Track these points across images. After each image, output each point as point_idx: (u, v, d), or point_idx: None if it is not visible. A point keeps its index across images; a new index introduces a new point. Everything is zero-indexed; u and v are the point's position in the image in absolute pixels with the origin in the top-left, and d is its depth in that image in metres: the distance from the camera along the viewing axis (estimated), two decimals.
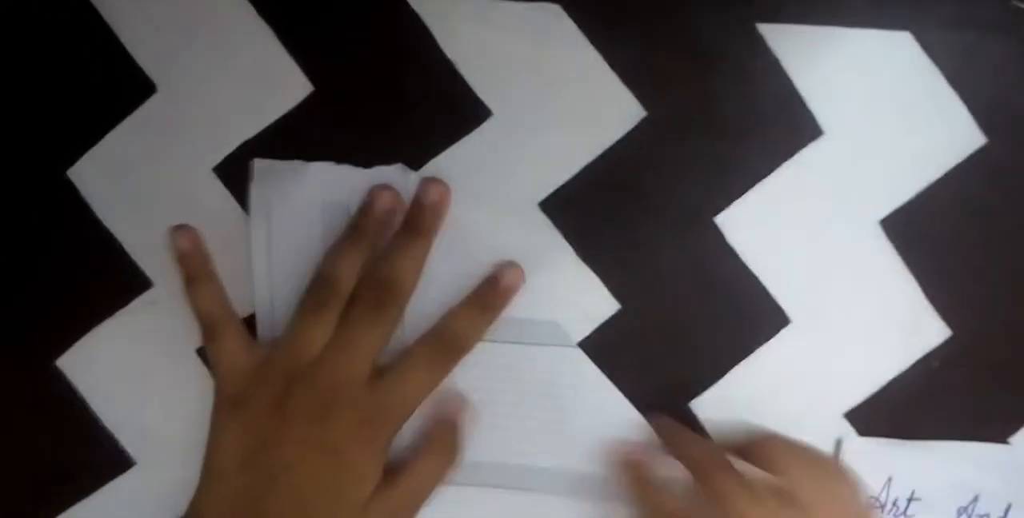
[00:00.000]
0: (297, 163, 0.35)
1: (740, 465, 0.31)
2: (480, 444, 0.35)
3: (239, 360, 0.34)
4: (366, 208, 0.34)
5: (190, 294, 0.35)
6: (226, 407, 0.34)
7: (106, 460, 0.36)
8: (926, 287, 0.34)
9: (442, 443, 0.34)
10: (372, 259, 0.34)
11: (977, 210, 0.34)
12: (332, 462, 0.32)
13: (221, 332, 0.34)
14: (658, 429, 0.34)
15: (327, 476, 0.32)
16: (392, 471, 0.33)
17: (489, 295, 0.34)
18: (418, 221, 0.34)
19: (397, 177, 0.34)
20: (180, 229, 0.35)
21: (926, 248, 0.34)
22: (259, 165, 0.35)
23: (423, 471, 0.34)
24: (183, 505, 0.36)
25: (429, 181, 0.34)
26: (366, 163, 0.35)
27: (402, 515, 0.34)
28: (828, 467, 0.33)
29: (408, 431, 0.34)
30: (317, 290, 0.33)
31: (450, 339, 0.34)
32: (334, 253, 0.34)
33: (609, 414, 0.35)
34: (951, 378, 0.34)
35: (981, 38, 0.33)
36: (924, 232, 0.34)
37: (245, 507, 0.32)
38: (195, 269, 0.35)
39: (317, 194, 0.35)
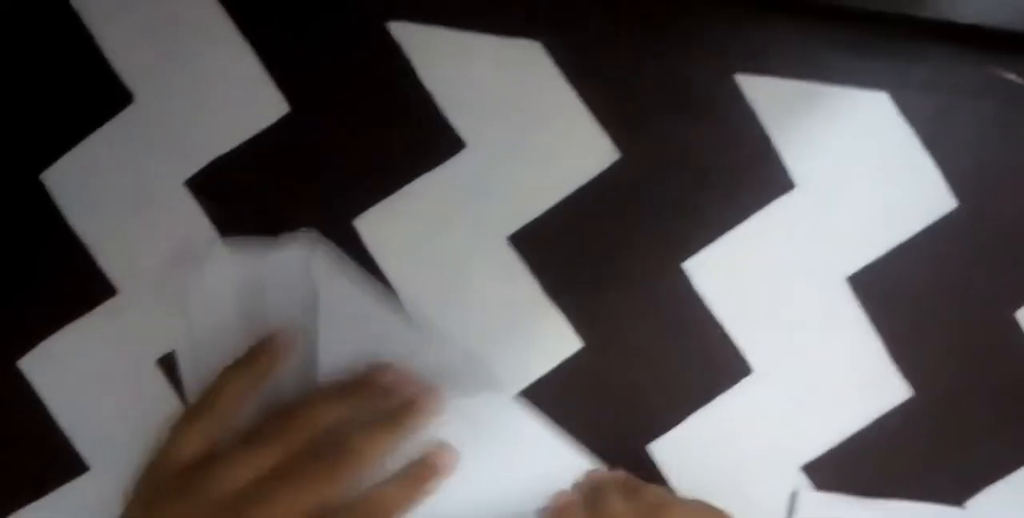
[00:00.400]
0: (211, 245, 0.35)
1: None
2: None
3: (184, 454, 0.33)
4: (365, 379, 0.33)
5: (232, 371, 0.34)
6: (144, 491, 0.33)
7: (61, 463, 0.36)
8: (890, 346, 0.34)
9: (416, 477, 0.33)
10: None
11: (945, 272, 0.34)
12: None
13: (209, 417, 0.33)
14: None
15: None
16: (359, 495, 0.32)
17: (420, 472, 0.33)
18: (406, 416, 0.33)
19: (302, 244, 0.34)
20: (281, 333, 0.34)
21: (892, 307, 0.34)
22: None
23: (386, 495, 0.32)
24: None
25: (428, 390, 0.33)
26: (338, 186, 0.35)
27: None
28: None
29: None
30: (280, 423, 0.33)
31: (373, 512, 0.32)
32: (316, 402, 0.33)
33: (552, 461, 0.34)
34: (910, 438, 0.34)
35: (957, 102, 0.33)
36: (891, 291, 0.34)
37: None
38: (263, 363, 0.34)
39: (227, 275, 0.34)
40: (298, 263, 0.34)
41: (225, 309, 0.35)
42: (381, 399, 0.33)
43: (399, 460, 0.33)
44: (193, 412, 0.34)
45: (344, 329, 0.34)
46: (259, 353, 0.34)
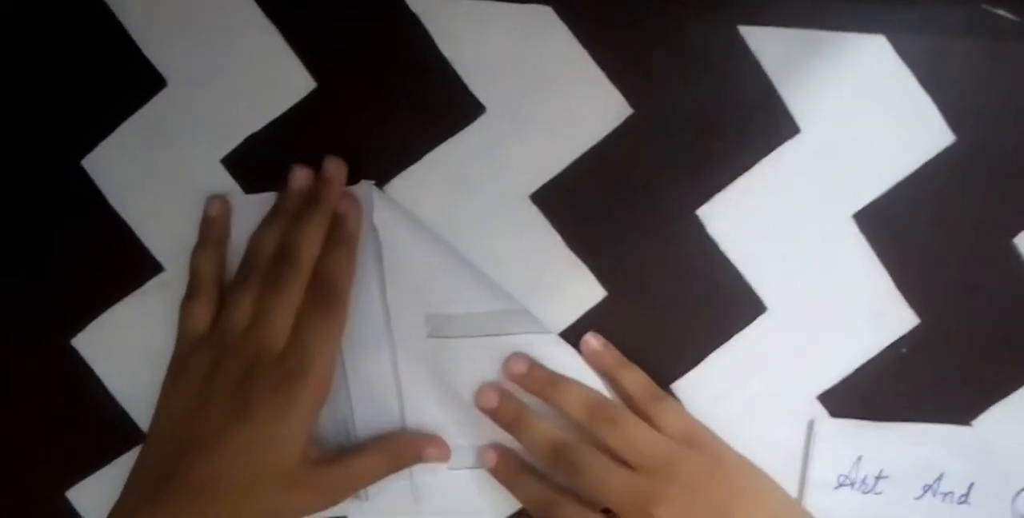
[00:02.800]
0: (269, 195, 0.37)
1: None
2: (472, 430, 0.36)
3: (198, 326, 0.36)
4: (286, 190, 0.36)
5: (194, 253, 0.37)
6: (170, 376, 0.36)
7: (120, 434, 0.38)
8: (896, 277, 0.36)
9: (393, 447, 0.36)
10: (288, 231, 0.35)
11: (945, 205, 0.35)
12: (249, 430, 0.33)
13: (199, 293, 0.36)
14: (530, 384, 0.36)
15: (244, 445, 0.33)
16: (334, 455, 0.34)
17: (341, 231, 0.36)
18: (319, 195, 0.36)
19: (362, 193, 0.36)
20: (216, 198, 0.36)
21: (897, 240, 0.35)
22: (234, 201, 0.37)
23: (362, 463, 0.35)
24: None
25: (330, 158, 0.36)
26: (366, 155, 0.36)
27: (325, 498, 0.34)
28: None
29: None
30: (243, 265, 0.36)
31: (323, 284, 0.35)
32: (259, 231, 0.36)
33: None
34: (918, 363, 0.36)
35: (951, 41, 0.34)
36: (895, 225, 0.35)
37: (167, 473, 0.33)
38: (211, 234, 0.37)
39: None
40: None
41: None
42: (309, 206, 0.36)
43: None
44: (186, 297, 0.36)
45: (406, 263, 0.36)
46: (208, 225, 0.37)
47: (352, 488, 0.35)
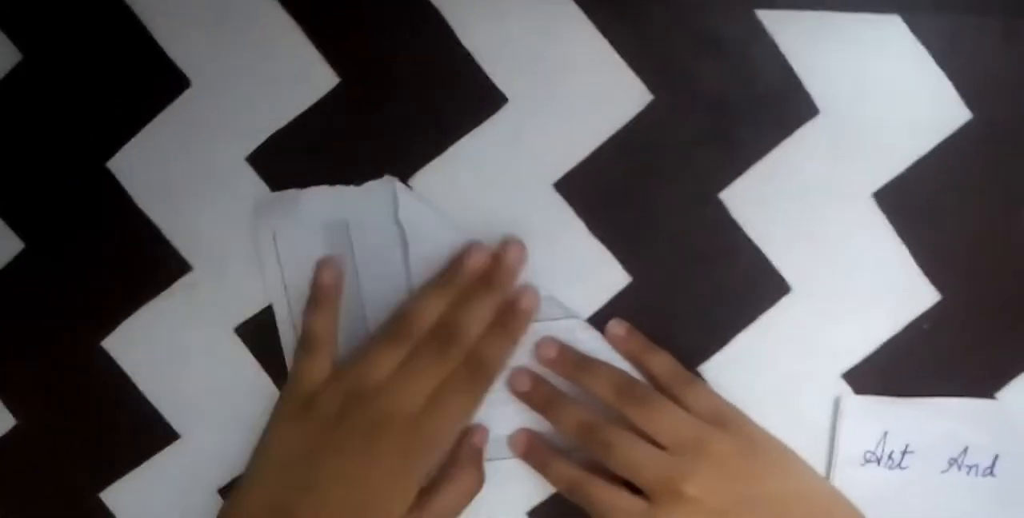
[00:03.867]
0: (292, 192, 0.37)
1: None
2: (506, 418, 0.37)
3: (316, 377, 0.35)
4: (459, 263, 0.36)
5: (309, 313, 0.36)
6: (288, 411, 0.35)
7: (152, 434, 0.39)
8: (917, 254, 0.36)
9: (469, 471, 0.36)
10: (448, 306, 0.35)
11: (963, 181, 0.36)
12: (370, 482, 0.34)
13: (316, 350, 0.36)
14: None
15: (363, 494, 0.34)
16: (422, 494, 0.35)
17: (508, 318, 0.35)
18: (495, 280, 0.35)
19: (386, 188, 0.36)
20: (327, 263, 0.36)
21: (917, 218, 0.36)
22: (258, 200, 0.37)
23: (450, 497, 0.35)
24: (224, 476, 0.39)
25: (511, 243, 0.36)
26: (391, 149, 0.37)
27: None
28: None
29: None
30: (397, 325, 0.35)
31: (478, 364, 0.35)
32: (420, 295, 0.36)
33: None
34: (941, 339, 0.36)
35: (966, 19, 0.35)
36: (915, 203, 0.36)
37: (278, 508, 0.33)
38: (325, 297, 0.36)
39: (316, 218, 0.36)
40: (384, 204, 0.36)
41: (315, 252, 0.37)
42: (482, 288, 0.35)
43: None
44: (302, 350, 0.36)
45: (433, 259, 0.36)
46: (322, 291, 0.36)
47: None
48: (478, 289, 0.35)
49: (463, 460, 0.36)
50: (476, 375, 0.35)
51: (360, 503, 0.33)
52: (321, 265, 0.36)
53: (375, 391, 0.34)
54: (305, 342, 0.36)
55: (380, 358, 0.35)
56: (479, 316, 0.35)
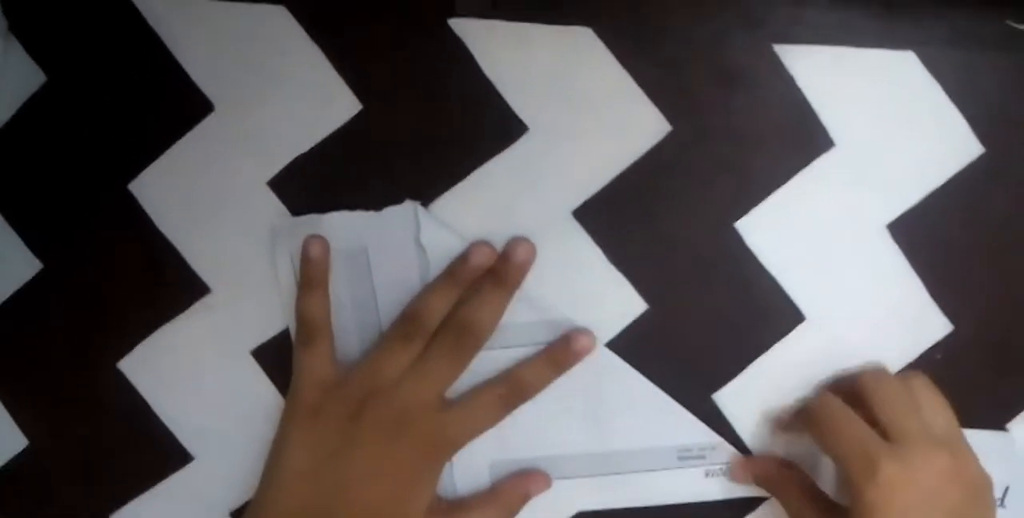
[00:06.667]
0: (312, 217, 0.37)
1: None
2: (522, 442, 0.37)
3: (323, 371, 0.36)
4: (463, 260, 0.36)
5: (301, 297, 0.36)
6: (300, 415, 0.35)
7: (166, 456, 0.38)
8: (930, 285, 0.36)
9: (507, 502, 0.36)
10: (457, 303, 0.36)
11: (976, 214, 0.36)
12: (399, 479, 0.34)
13: (316, 340, 0.36)
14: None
15: (393, 491, 0.34)
16: (450, 507, 0.35)
17: (560, 354, 0.36)
18: (504, 275, 0.36)
19: (406, 213, 0.37)
20: (314, 237, 0.36)
21: (930, 250, 0.36)
22: (277, 224, 0.37)
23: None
24: (238, 499, 0.38)
25: (518, 241, 0.36)
26: (412, 176, 0.37)
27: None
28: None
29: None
30: (406, 323, 0.36)
31: (518, 387, 0.36)
32: (426, 293, 0.36)
33: (637, 397, 0.37)
34: (953, 369, 0.36)
35: (979, 56, 0.35)
36: (928, 235, 0.36)
37: (324, 511, 0.34)
38: (315, 276, 0.36)
39: (335, 243, 0.37)
40: (405, 228, 0.37)
41: (336, 276, 0.37)
42: (491, 283, 0.36)
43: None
44: (302, 343, 0.36)
45: None
46: (310, 267, 0.36)
47: None
48: (487, 284, 0.36)
49: (504, 492, 0.36)
50: (516, 392, 0.35)
51: (392, 501, 0.34)
52: (308, 241, 0.36)
53: (392, 387, 0.34)
54: (302, 332, 0.36)
55: (394, 355, 0.35)
56: (492, 310, 0.35)
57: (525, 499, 0.37)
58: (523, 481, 0.37)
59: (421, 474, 0.35)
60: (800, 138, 0.36)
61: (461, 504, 0.36)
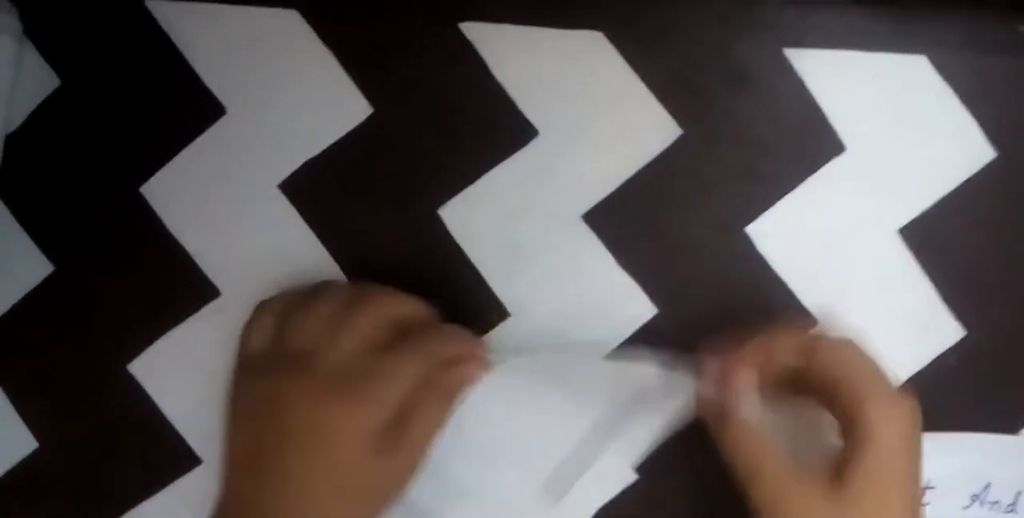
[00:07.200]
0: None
1: None
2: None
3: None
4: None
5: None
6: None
7: (175, 459, 0.38)
8: (942, 290, 0.36)
9: (444, 388, 0.34)
10: None
11: (987, 218, 0.36)
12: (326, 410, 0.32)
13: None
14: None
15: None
16: (397, 420, 0.33)
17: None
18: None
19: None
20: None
21: (941, 254, 0.36)
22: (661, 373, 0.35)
23: (427, 415, 0.33)
24: None
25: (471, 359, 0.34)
26: (423, 179, 0.37)
27: (411, 458, 0.33)
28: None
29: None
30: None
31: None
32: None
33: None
34: (966, 374, 0.36)
35: (990, 60, 0.35)
36: (939, 239, 0.36)
37: (256, 453, 0.33)
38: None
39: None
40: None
41: None
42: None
43: None
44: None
45: None
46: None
47: (429, 442, 0.34)
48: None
49: (435, 381, 0.34)
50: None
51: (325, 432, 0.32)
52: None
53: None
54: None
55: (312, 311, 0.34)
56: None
57: (462, 383, 0.34)
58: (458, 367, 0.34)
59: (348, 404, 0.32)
60: (811, 142, 0.36)
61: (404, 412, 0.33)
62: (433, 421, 0.34)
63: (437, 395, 0.34)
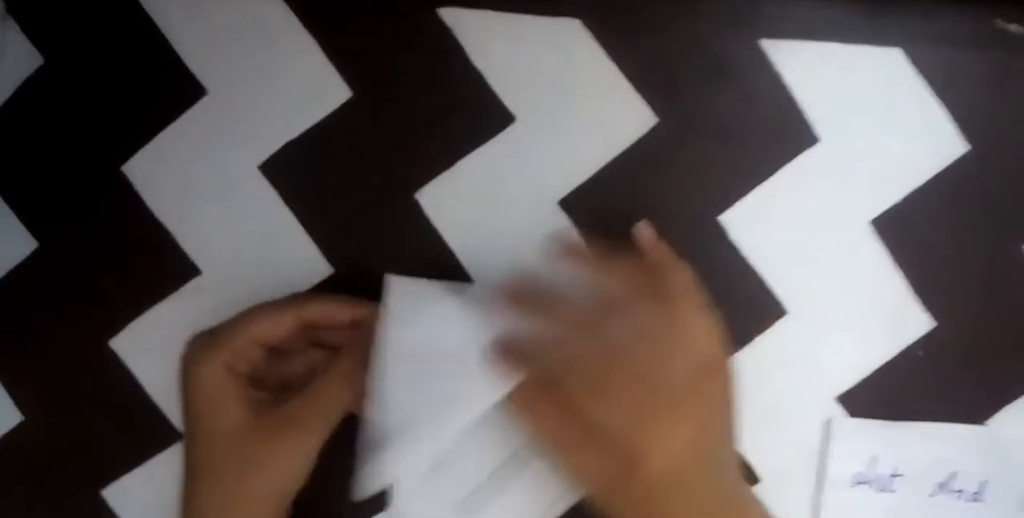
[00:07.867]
0: (424, 282, 0.35)
1: None
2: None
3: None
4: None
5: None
6: None
7: (154, 435, 0.39)
8: (912, 282, 0.37)
9: (343, 371, 0.34)
10: None
11: (959, 212, 0.36)
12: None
13: None
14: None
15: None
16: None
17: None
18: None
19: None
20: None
21: (913, 246, 0.36)
22: (392, 281, 0.34)
23: (322, 392, 0.34)
24: None
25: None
26: (400, 163, 0.37)
27: (300, 426, 0.34)
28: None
29: None
30: None
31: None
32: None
33: None
34: (934, 365, 0.37)
35: (965, 54, 0.35)
36: (911, 231, 0.36)
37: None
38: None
39: (449, 313, 0.34)
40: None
41: (437, 344, 0.34)
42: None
43: None
44: None
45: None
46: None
47: (323, 418, 0.34)
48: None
49: (336, 363, 0.34)
50: None
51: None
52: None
53: None
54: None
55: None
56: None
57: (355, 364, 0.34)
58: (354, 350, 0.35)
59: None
60: (785, 133, 0.36)
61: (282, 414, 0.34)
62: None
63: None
